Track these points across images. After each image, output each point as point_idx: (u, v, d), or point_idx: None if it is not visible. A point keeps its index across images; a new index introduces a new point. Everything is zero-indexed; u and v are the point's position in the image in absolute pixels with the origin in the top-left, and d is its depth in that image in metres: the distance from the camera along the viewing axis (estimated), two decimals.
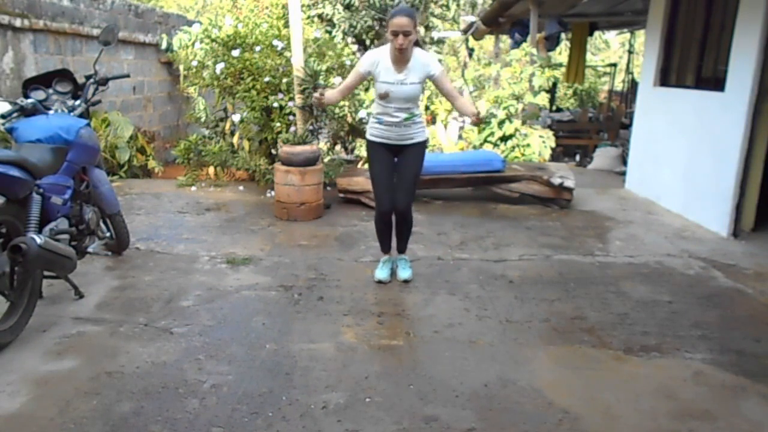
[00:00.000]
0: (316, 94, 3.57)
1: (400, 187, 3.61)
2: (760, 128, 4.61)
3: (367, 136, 3.66)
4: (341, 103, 6.01)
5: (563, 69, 10.73)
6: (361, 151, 7.55)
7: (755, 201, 4.78)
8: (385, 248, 3.79)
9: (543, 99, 8.15)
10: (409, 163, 3.59)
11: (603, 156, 8.59)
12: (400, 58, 3.38)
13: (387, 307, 3.33)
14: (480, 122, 3.56)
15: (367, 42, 11.61)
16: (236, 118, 5.92)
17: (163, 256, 4.05)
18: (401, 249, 3.82)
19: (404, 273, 3.76)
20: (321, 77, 5.60)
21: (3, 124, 3.30)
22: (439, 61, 5.95)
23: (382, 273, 3.73)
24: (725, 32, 5.08)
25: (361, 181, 5.46)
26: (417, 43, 3.47)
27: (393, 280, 3.74)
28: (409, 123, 3.50)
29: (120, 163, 6.64)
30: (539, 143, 7.86)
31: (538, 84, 8.03)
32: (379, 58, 3.45)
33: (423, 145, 3.62)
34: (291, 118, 5.62)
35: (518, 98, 8.12)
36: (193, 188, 6.14)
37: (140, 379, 2.53)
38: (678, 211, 5.51)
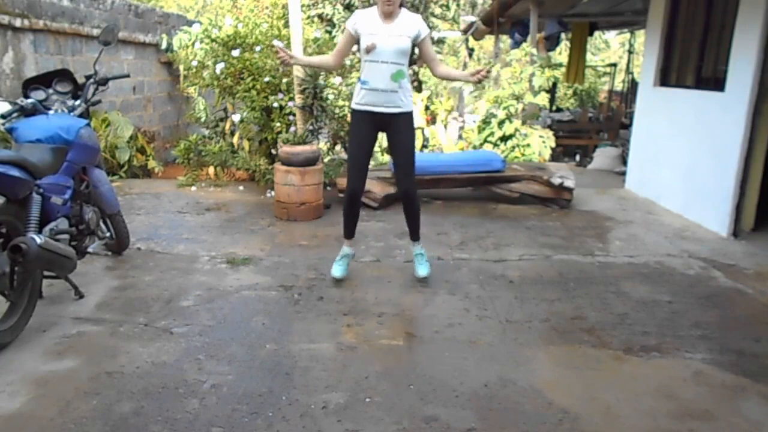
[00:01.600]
0: (278, 43, 3.48)
1: (402, 166, 3.53)
2: (760, 128, 4.61)
3: (352, 105, 3.51)
4: (341, 103, 6.01)
5: (563, 69, 10.73)
6: None
7: (755, 201, 4.78)
8: (349, 233, 3.67)
9: (543, 99, 8.16)
10: (403, 140, 3.49)
11: (603, 156, 8.59)
12: (388, 12, 3.35)
13: (387, 307, 3.33)
14: (486, 77, 3.46)
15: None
16: (236, 118, 5.92)
17: (163, 256, 4.05)
18: (415, 237, 3.71)
19: (422, 270, 3.64)
20: (321, 77, 5.60)
21: (3, 124, 3.30)
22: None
23: (338, 270, 3.63)
24: (725, 32, 5.08)
25: None
26: (402, 4, 3.43)
27: (392, 280, 3.74)
28: (398, 85, 3.36)
29: (120, 163, 6.64)
30: (539, 143, 7.87)
31: (538, 84, 8.03)
32: (366, 13, 3.43)
33: (411, 116, 3.51)
34: (291, 118, 5.62)
35: (518, 98, 8.13)
36: (193, 188, 6.14)
37: (140, 379, 2.53)
38: (678, 211, 5.51)
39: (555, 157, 9.02)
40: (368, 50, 3.33)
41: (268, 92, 5.72)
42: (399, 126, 3.47)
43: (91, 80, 3.60)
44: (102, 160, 3.76)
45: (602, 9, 9.41)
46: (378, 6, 3.38)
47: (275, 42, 3.60)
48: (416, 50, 3.58)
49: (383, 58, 3.33)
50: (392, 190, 5.33)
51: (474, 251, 4.33)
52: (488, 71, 3.52)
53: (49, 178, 3.01)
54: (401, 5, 3.43)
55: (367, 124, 3.47)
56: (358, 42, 3.46)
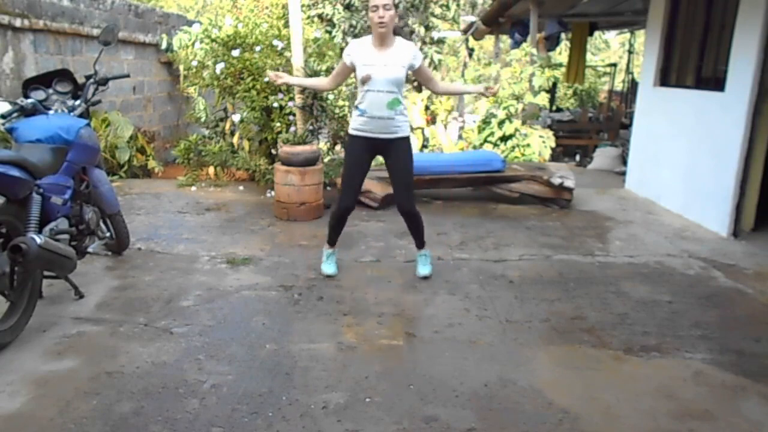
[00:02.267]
0: (271, 73, 3.59)
1: (400, 187, 3.60)
2: (760, 128, 4.61)
3: (350, 130, 3.60)
4: (341, 103, 6.01)
5: (563, 69, 10.73)
6: None
7: (755, 201, 4.78)
8: (332, 241, 3.80)
9: (543, 99, 8.16)
10: (401, 161, 3.55)
11: (603, 156, 8.59)
12: (382, 38, 3.37)
13: (387, 307, 3.33)
14: (495, 93, 3.64)
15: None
16: (236, 118, 5.92)
17: (163, 256, 4.05)
18: (420, 245, 3.80)
19: (424, 269, 3.76)
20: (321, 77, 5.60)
21: (3, 124, 3.30)
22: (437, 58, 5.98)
23: (329, 267, 3.76)
24: (725, 32, 5.08)
25: None
26: (397, 33, 3.47)
27: (392, 280, 3.74)
28: (394, 113, 3.42)
29: (120, 163, 6.64)
30: (539, 143, 7.87)
31: (538, 84, 8.03)
32: (360, 43, 3.48)
33: (408, 140, 3.58)
34: (291, 118, 5.62)
35: (518, 98, 8.12)
36: (193, 188, 6.14)
37: (140, 379, 2.53)
38: (678, 211, 5.51)
39: (555, 157, 9.02)
40: (364, 81, 3.40)
41: (268, 92, 5.72)
42: (396, 150, 3.54)
43: (91, 80, 3.59)
44: (102, 160, 3.76)
45: (602, 9, 9.40)
46: (372, 31, 3.41)
47: (268, 72, 3.68)
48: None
49: (379, 88, 3.39)
50: (392, 189, 5.33)
51: (474, 251, 4.33)
52: (497, 89, 3.70)
53: (49, 178, 3.00)
54: (396, 33, 3.47)
55: (364, 148, 3.56)
56: (354, 70, 3.53)
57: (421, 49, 12.38)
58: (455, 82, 3.67)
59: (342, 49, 6.45)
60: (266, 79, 5.61)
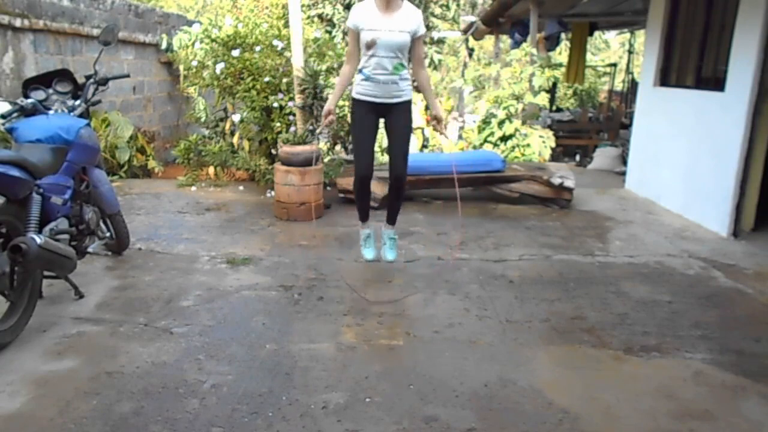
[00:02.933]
0: (327, 120, 3.50)
1: (396, 151, 3.54)
2: (760, 128, 4.61)
3: (353, 94, 3.54)
4: (341, 102, 6.01)
5: (563, 69, 10.72)
6: None
7: (755, 201, 4.78)
8: (364, 216, 3.71)
9: (543, 99, 8.16)
10: (401, 125, 3.51)
11: (603, 156, 8.59)
12: (388, 4, 3.33)
13: (387, 307, 3.33)
14: (437, 127, 3.62)
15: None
16: (236, 118, 5.92)
17: (163, 256, 4.05)
18: (391, 220, 3.74)
19: (390, 254, 3.70)
20: (321, 77, 5.60)
21: (3, 124, 3.30)
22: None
23: (368, 252, 3.69)
24: (725, 32, 5.08)
25: None
26: None
27: (392, 280, 3.74)
28: (398, 77, 3.39)
29: (120, 163, 6.64)
30: (539, 143, 7.87)
31: (538, 84, 8.03)
32: (364, 7, 3.42)
33: (410, 104, 3.55)
34: (291, 118, 5.62)
35: (518, 98, 8.13)
36: (193, 188, 6.14)
37: (140, 379, 2.53)
38: (678, 211, 5.51)
39: (555, 157, 9.02)
40: (368, 46, 3.34)
41: (268, 92, 5.72)
42: (398, 113, 3.50)
43: (91, 80, 3.59)
44: (102, 160, 3.76)
45: (602, 9, 9.40)
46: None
47: (325, 121, 3.57)
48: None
49: (383, 53, 3.34)
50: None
51: (474, 251, 4.33)
52: (443, 127, 3.68)
53: (49, 178, 3.00)
54: None
55: (368, 111, 3.50)
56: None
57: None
58: (431, 88, 3.51)
59: (343, 49, 6.49)
60: (266, 79, 5.62)
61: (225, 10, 10.04)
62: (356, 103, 3.53)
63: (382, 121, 3.60)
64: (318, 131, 3.62)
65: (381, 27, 3.32)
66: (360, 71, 3.45)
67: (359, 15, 3.41)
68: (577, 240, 4.66)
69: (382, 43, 3.31)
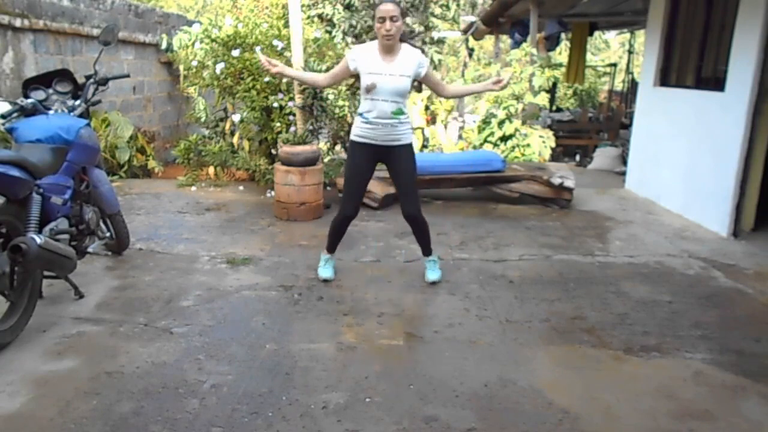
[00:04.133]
0: (263, 58, 3.49)
1: (405, 191, 3.57)
2: (760, 128, 4.61)
3: (352, 136, 3.55)
4: (341, 102, 6.01)
5: (563, 69, 10.73)
6: None
7: (755, 201, 4.78)
8: (331, 248, 3.75)
9: (543, 99, 8.16)
10: (404, 167, 3.53)
11: (603, 156, 8.59)
12: (388, 48, 3.33)
13: (387, 307, 3.33)
14: (506, 85, 3.59)
15: (367, 42, 11.63)
16: (236, 118, 5.92)
17: (163, 256, 4.05)
18: (427, 252, 3.73)
19: (432, 275, 3.69)
20: None
21: (3, 124, 3.30)
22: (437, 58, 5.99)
23: (326, 272, 3.70)
24: (725, 32, 5.08)
25: None
26: (403, 39, 3.42)
27: (392, 280, 3.74)
28: (397, 121, 3.40)
29: (120, 163, 6.64)
30: (539, 143, 7.87)
31: (538, 84, 8.03)
32: (366, 49, 3.42)
33: (411, 147, 3.56)
34: (291, 118, 5.62)
35: (518, 98, 8.12)
36: (193, 188, 6.14)
37: (140, 379, 2.53)
38: (678, 211, 5.51)
39: (555, 157, 9.02)
40: (368, 90, 3.35)
41: (268, 92, 5.72)
42: (399, 156, 3.50)
43: (91, 80, 3.59)
44: (102, 160, 3.76)
45: (602, 9, 9.40)
46: (378, 41, 3.36)
47: (257, 52, 3.57)
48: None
49: (383, 97, 3.35)
50: (392, 190, 5.33)
51: (474, 251, 4.33)
52: (507, 80, 3.62)
53: (49, 178, 3.00)
54: (402, 40, 3.41)
55: (367, 154, 3.50)
56: (354, 77, 3.49)
57: (420, 49, 12.37)
58: (459, 84, 3.58)
59: (343, 49, 6.49)
60: (266, 79, 5.62)
61: (225, 10, 10.04)
62: (355, 146, 3.53)
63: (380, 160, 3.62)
64: (263, 61, 3.52)
65: (381, 71, 3.33)
66: (360, 114, 3.47)
67: (360, 57, 3.40)
68: (577, 240, 4.66)
69: (382, 88, 3.32)
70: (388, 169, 3.59)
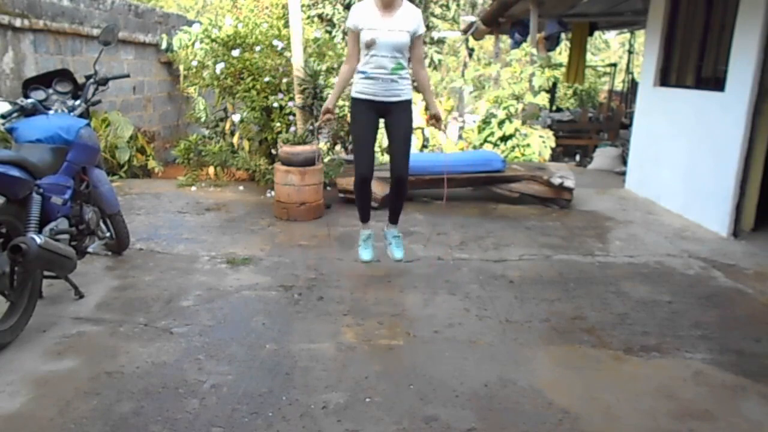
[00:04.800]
0: (325, 118, 3.53)
1: (397, 151, 3.54)
2: (760, 128, 4.61)
3: (353, 93, 3.54)
4: (341, 102, 6.01)
5: (563, 69, 10.72)
6: None
7: (755, 201, 4.78)
8: (365, 216, 3.71)
9: (543, 99, 8.16)
10: (401, 124, 3.51)
11: (603, 156, 8.59)
12: (388, 3, 3.33)
13: (387, 307, 3.33)
14: (436, 125, 3.63)
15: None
16: (236, 118, 5.92)
17: (163, 256, 4.05)
18: (394, 220, 3.74)
19: (398, 252, 3.70)
20: (321, 77, 5.60)
21: (3, 124, 3.30)
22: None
23: (366, 253, 3.68)
24: (725, 32, 5.07)
25: None
26: None
27: (392, 280, 3.74)
28: (397, 76, 3.39)
29: (120, 163, 6.64)
30: (539, 143, 7.87)
31: (538, 84, 8.03)
32: (364, 7, 3.42)
33: (410, 104, 3.55)
34: (291, 118, 5.62)
35: (518, 98, 8.12)
36: (193, 188, 6.14)
37: (140, 379, 2.53)
38: (678, 211, 5.51)
39: (555, 157, 9.02)
40: (368, 45, 3.35)
41: (268, 92, 5.72)
42: (398, 112, 3.50)
43: (91, 80, 3.59)
44: (102, 160, 3.76)
45: (602, 9, 9.40)
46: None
47: (324, 117, 3.63)
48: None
49: (383, 53, 3.35)
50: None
51: (474, 251, 4.33)
52: (443, 126, 3.68)
53: (49, 178, 3.00)
54: None
55: (368, 110, 3.50)
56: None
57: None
58: (430, 88, 3.48)
59: (343, 49, 6.49)
60: (266, 79, 5.62)
61: (225, 10, 10.04)
62: (356, 102, 3.53)
63: (381, 121, 3.59)
64: (317, 125, 3.63)
65: (380, 26, 3.33)
66: (360, 71, 3.46)
67: (358, 15, 3.41)
68: (577, 240, 4.66)
69: (382, 43, 3.32)
70: (386, 125, 3.56)
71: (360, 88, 3.49)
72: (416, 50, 3.55)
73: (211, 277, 3.70)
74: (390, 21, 3.34)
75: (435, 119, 3.66)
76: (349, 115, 6.18)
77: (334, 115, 3.58)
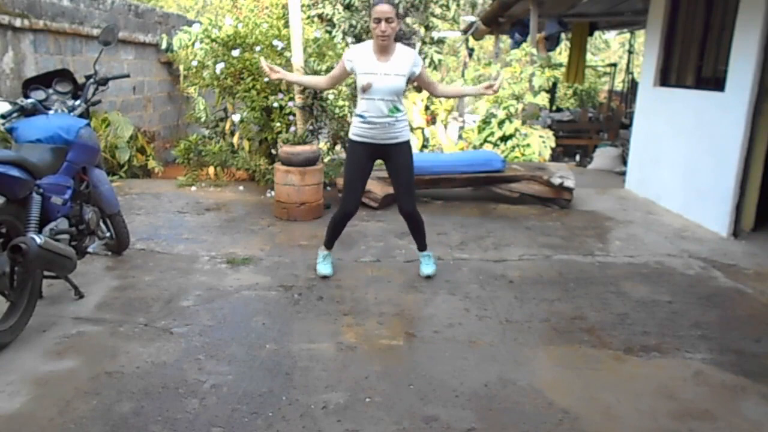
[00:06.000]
0: (264, 65, 3.55)
1: (402, 191, 3.62)
2: (760, 128, 4.61)
3: (351, 135, 3.60)
4: (341, 103, 6.01)
5: (563, 69, 10.73)
6: None
7: (755, 201, 4.78)
8: (329, 244, 3.80)
9: (543, 99, 8.15)
10: (402, 164, 3.57)
11: (603, 156, 8.59)
12: (384, 48, 3.37)
13: (387, 307, 3.33)
14: (497, 89, 3.63)
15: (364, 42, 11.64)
16: (236, 118, 5.92)
17: (163, 256, 4.05)
18: (422, 247, 3.81)
19: (427, 268, 3.77)
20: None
21: (3, 124, 3.30)
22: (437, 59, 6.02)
23: (325, 268, 3.76)
24: (725, 32, 5.08)
25: None
26: (398, 39, 3.47)
27: (392, 280, 3.74)
28: (394, 120, 3.44)
29: (120, 163, 6.64)
30: (539, 143, 7.87)
31: (538, 84, 8.03)
32: (361, 50, 3.47)
33: (408, 144, 3.60)
34: (291, 118, 5.62)
35: (518, 98, 8.12)
36: (193, 188, 6.14)
37: (140, 379, 2.53)
38: (678, 211, 5.51)
39: (555, 157, 9.02)
40: (364, 89, 3.40)
41: (268, 92, 5.72)
42: (397, 154, 3.55)
43: (91, 80, 3.59)
44: (102, 160, 3.76)
45: (602, 9, 9.40)
46: (373, 41, 3.40)
47: (262, 62, 3.64)
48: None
49: (379, 96, 3.40)
50: (392, 190, 5.33)
51: (474, 251, 4.33)
52: (499, 84, 3.64)
53: (49, 178, 3.00)
54: (397, 39, 3.46)
55: (365, 153, 3.56)
56: (353, 75, 3.53)
57: (420, 50, 12.37)
58: (454, 84, 3.66)
59: (343, 49, 6.49)
60: (266, 79, 5.62)
61: (225, 10, 10.04)
62: (353, 145, 3.58)
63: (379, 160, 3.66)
64: (263, 65, 3.59)
65: (376, 71, 3.38)
66: (357, 114, 3.51)
67: (355, 57, 3.45)
68: (577, 240, 4.66)
69: (377, 88, 3.37)
70: (387, 167, 3.64)
71: (357, 131, 3.53)
72: (425, 80, 3.62)
73: (211, 277, 3.71)
74: (386, 65, 3.39)
75: (493, 87, 3.59)
76: (349, 115, 6.21)
77: (278, 73, 3.60)
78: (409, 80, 3.52)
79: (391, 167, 3.61)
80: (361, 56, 3.44)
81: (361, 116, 3.47)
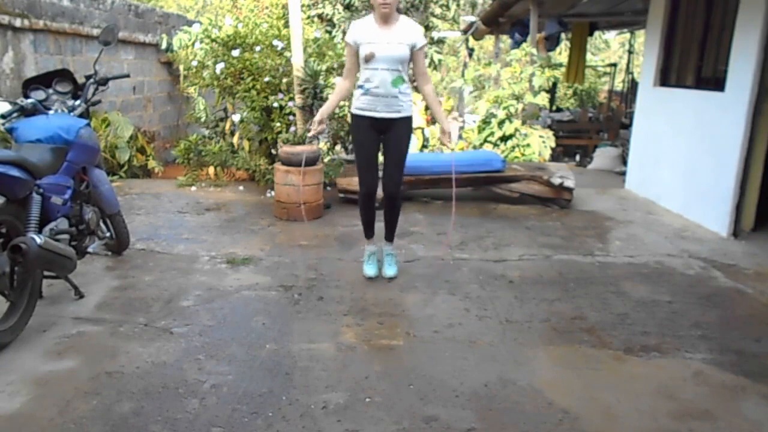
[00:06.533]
0: (319, 128, 3.52)
1: (390, 168, 3.54)
2: (760, 128, 4.61)
3: (352, 109, 3.52)
4: (341, 103, 6.00)
5: (563, 69, 10.72)
6: None
7: (755, 201, 4.78)
8: (369, 233, 3.72)
9: (543, 99, 8.15)
10: (398, 142, 3.50)
11: (603, 156, 8.59)
12: (386, 17, 3.32)
13: (387, 307, 3.33)
14: (443, 140, 3.57)
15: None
16: (236, 118, 5.92)
17: (163, 256, 4.05)
18: (389, 237, 3.75)
19: (390, 270, 3.70)
20: (321, 77, 5.60)
21: (3, 124, 3.30)
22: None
23: (370, 269, 3.69)
24: (725, 32, 5.07)
25: None
26: (400, 11, 3.42)
27: (393, 280, 3.74)
28: (398, 90, 3.37)
29: (120, 163, 6.64)
30: (539, 143, 7.87)
31: (538, 84, 8.02)
32: (361, 23, 3.43)
33: (410, 121, 3.53)
34: (291, 118, 5.62)
35: (518, 98, 8.12)
36: (193, 188, 6.14)
37: (140, 379, 2.53)
38: (678, 211, 5.51)
39: (555, 157, 9.02)
40: (367, 59, 3.34)
41: (268, 92, 5.72)
42: (397, 129, 3.49)
43: (91, 80, 3.59)
44: (102, 160, 3.76)
45: (602, 9, 9.40)
46: (375, 11, 3.36)
47: (314, 127, 3.61)
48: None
49: (382, 66, 3.33)
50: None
51: (474, 251, 4.33)
52: (448, 139, 3.59)
53: (49, 178, 3.00)
54: (398, 11, 3.40)
55: (369, 127, 3.48)
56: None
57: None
58: (438, 102, 3.42)
59: (343, 49, 6.48)
60: (266, 79, 5.62)
61: (225, 10, 10.05)
62: (356, 119, 3.51)
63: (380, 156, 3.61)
64: (309, 135, 3.63)
65: (379, 40, 3.32)
66: (359, 86, 3.44)
67: (357, 30, 3.41)
68: (577, 240, 4.66)
69: (381, 56, 3.31)
70: (383, 141, 3.54)
71: (360, 104, 3.46)
72: (418, 64, 3.51)
73: (211, 277, 3.70)
74: (389, 34, 3.33)
75: (443, 133, 3.58)
76: (349, 114, 6.20)
77: (326, 125, 3.56)
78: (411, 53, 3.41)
79: (387, 140, 3.51)
80: (362, 29, 3.39)
81: (363, 88, 3.41)
